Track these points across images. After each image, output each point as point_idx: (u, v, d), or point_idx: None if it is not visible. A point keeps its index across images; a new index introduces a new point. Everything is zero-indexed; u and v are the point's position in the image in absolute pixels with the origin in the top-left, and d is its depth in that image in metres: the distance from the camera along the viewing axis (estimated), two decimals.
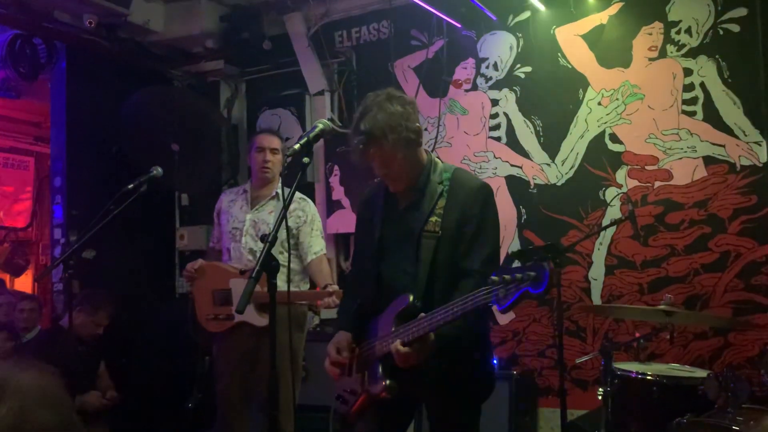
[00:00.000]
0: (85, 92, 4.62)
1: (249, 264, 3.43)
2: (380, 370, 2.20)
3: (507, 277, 1.82)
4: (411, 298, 2.14)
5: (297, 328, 3.52)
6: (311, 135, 2.07)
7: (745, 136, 3.78)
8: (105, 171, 4.46)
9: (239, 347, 3.47)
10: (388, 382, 2.15)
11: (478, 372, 2.30)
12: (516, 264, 2.06)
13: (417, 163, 2.28)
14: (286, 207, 2.00)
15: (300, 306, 3.53)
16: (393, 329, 2.15)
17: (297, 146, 2.02)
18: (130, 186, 3.28)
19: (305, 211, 3.59)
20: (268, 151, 3.57)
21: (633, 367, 2.92)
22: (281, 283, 3.38)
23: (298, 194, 3.64)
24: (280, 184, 3.62)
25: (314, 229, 3.59)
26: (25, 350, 4.06)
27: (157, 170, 3.42)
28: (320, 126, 2.12)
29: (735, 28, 3.82)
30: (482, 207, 2.23)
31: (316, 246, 3.58)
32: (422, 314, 2.05)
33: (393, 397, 2.17)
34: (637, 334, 3.32)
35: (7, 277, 6.74)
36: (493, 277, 1.84)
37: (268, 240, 1.92)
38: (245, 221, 3.54)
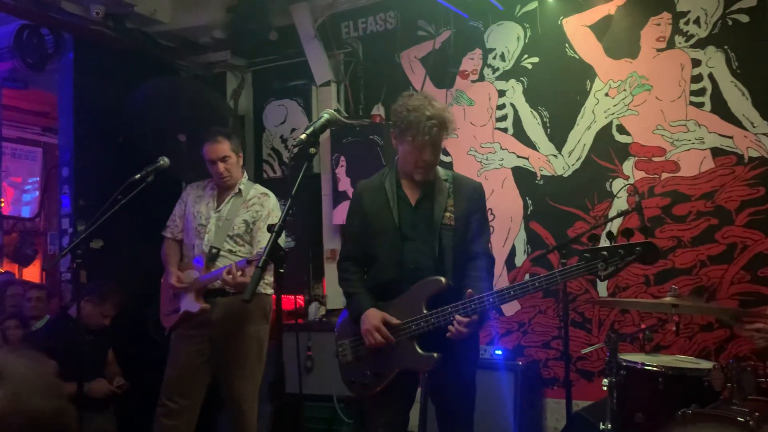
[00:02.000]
0: (93, 82, 4.63)
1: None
2: (417, 346, 2.51)
3: (605, 253, 2.27)
4: (444, 280, 2.51)
5: (261, 319, 3.53)
6: (317, 125, 2.08)
7: (754, 127, 3.76)
8: (112, 161, 4.48)
9: (195, 338, 3.47)
10: (436, 355, 2.48)
11: (478, 341, 2.80)
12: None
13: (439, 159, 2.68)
14: (292, 197, 2.00)
15: (263, 296, 3.53)
16: (425, 310, 2.50)
17: (303, 136, 2.03)
18: (137, 176, 3.30)
19: (264, 206, 3.57)
20: (218, 162, 3.49)
21: (638, 358, 2.92)
22: (224, 274, 3.41)
23: (260, 189, 3.65)
24: (244, 179, 3.64)
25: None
26: (34, 338, 4.10)
27: (164, 160, 3.43)
28: (326, 116, 2.13)
29: (744, 18, 3.79)
30: (483, 203, 2.76)
31: (264, 241, 3.54)
32: (469, 290, 2.44)
33: (435, 369, 2.50)
34: (643, 326, 3.33)
35: (15, 267, 6.79)
36: (586, 255, 2.32)
37: (275, 230, 1.93)
38: (211, 219, 3.53)
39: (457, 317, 2.43)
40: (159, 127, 4.51)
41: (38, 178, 7.17)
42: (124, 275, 4.21)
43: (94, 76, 4.64)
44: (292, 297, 4.91)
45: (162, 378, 3.56)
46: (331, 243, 4.92)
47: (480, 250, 2.64)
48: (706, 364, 2.83)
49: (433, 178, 2.66)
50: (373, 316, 2.57)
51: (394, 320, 2.55)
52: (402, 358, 2.54)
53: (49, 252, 6.38)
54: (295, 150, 2.08)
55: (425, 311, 2.51)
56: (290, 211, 2.00)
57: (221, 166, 3.51)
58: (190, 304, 3.44)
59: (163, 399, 3.46)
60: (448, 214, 2.61)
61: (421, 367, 2.53)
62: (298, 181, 2.02)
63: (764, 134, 3.73)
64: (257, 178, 5.06)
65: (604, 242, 2.39)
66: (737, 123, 3.80)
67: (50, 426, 1.00)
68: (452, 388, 2.64)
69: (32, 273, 6.97)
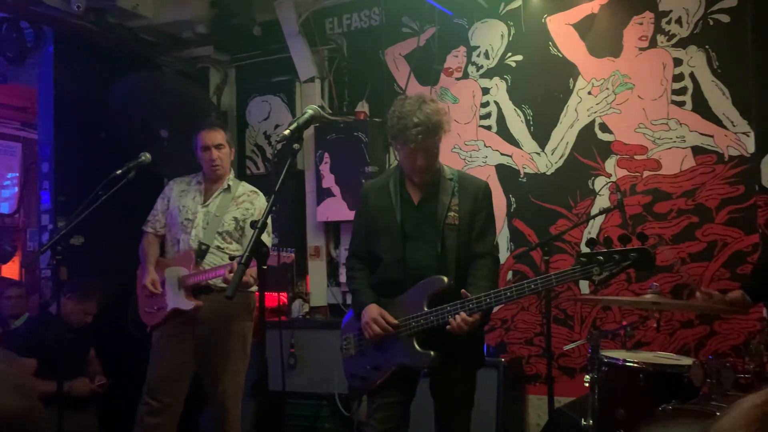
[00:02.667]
0: (73, 77, 4.58)
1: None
2: (415, 344, 2.55)
3: (600, 258, 2.29)
4: (446, 279, 2.54)
5: (246, 316, 3.52)
6: (301, 121, 2.07)
7: (734, 126, 3.80)
8: (93, 157, 4.42)
9: (179, 335, 3.45)
10: (433, 353, 2.53)
11: (482, 341, 2.84)
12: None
13: (438, 161, 2.70)
14: (276, 193, 1.99)
15: (248, 294, 3.52)
16: (426, 308, 2.53)
17: (287, 132, 2.02)
18: (119, 172, 3.27)
19: (254, 204, 3.57)
20: (213, 149, 3.50)
21: (620, 354, 2.95)
22: (226, 272, 3.41)
23: (249, 187, 3.65)
24: (232, 175, 3.63)
25: None
26: (13, 336, 4.05)
27: (146, 156, 3.40)
28: (310, 112, 2.12)
29: (725, 18, 3.83)
30: (489, 202, 2.75)
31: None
32: (463, 290, 2.48)
33: (434, 367, 2.56)
34: (624, 322, 3.35)
35: None
36: (582, 259, 2.33)
37: (258, 227, 1.92)
38: (198, 214, 3.51)
39: (462, 314, 2.46)
40: (141, 123, 4.47)
41: (17, 174, 7.07)
42: (105, 272, 4.16)
43: (75, 71, 4.58)
44: (276, 294, 4.89)
45: (144, 376, 3.53)
46: (315, 240, 4.91)
47: (485, 250, 2.67)
48: (686, 361, 2.86)
49: (437, 177, 2.69)
50: (372, 310, 2.63)
51: (392, 320, 2.60)
52: (401, 354, 2.59)
53: (28, 249, 6.31)
54: (279, 146, 2.07)
55: (426, 309, 2.54)
56: (274, 208, 1.99)
57: (215, 152, 3.50)
58: (181, 301, 3.41)
59: (146, 397, 3.44)
60: (452, 213, 2.63)
61: (418, 364, 2.58)
62: (282, 177, 2.01)
63: (744, 133, 3.78)
64: (240, 174, 5.03)
65: (585, 249, 2.42)
66: (718, 122, 3.84)
67: (18, 426, 0.99)
68: (452, 385, 2.68)
69: (11, 270, 6.88)
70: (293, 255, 3.44)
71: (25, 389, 1.04)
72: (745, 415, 0.75)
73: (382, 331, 2.59)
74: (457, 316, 2.46)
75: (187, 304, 3.40)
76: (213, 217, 3.49)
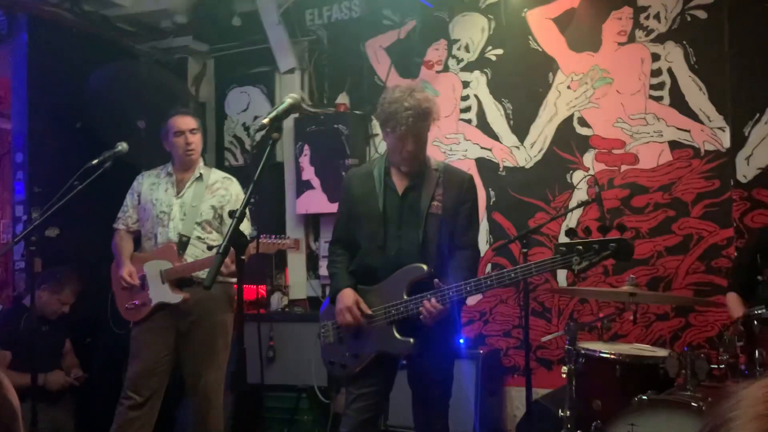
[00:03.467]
0: (48, 65, 4.49)
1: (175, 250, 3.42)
2: (395, 331, 2.56)
3: (580, 248, 2.30)
4: (426, 268, 2.55)
5: (227, 308, 3.50)
6: (280, 109, 2.04)
7: (710, 121, 3.85)
8: (69, 147, 4.35)
9: (160, 329, 3.42)
10: (413, 341, 2.54)
11: (459, 331, 2.89)
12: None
13: (426, 149, 2.71)
14: (255, 182, 1.97)
15: (228, 286, 3.50)
16: (406, 296, 2.54)
17: (266, 120, 1.99)
18: (95, 162, 3.21)
19: (228, 190, 3.54)
20: (187, 133, 3.45)
21: (597, 346, 2.97)
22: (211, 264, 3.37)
23: (222, 174, 3.62)
24: (202, 164, 3.59)
25: None
26: None
27: (123, 146, 3.34)
28: (290, 100, 2.09)
29: (702, 14, 3.87)
30: (473, 194, 2.77)
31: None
32: (436, 280, 2.50)
33: (412, 354, 2.58)
34: (601, 314, 3.39)
35: None
36: (561, 248, 2.34)
37: (236, 216, 1.90)
38: (173, 206, 3.47)
39: (432, 300, 2.48)
40: (117, 113, 4.40)
41: None
42: (80, 264, 4.10)
43: (50, 59, 4.49)
44: (254, 287, 4.86)
45: (121, 368, 3.49)
46: (295, 233, 4.88)
47: (467, 243, 2.69)
48: (661, 352, 2.90)
49: (423, 167, 2.70)
50: (347, 297, 2.64)
51: (367, 309, 2.61)
52: (380, 341, 2.60)
53: (1, 240, 6.20)
54: (258, 136, 2.05)
55: (405, 297, 2.55)
56: (252, 198, 1.97)
57: (190, 137, 3.46)
58: (167, 295, 3.37)
59: (127, 392, 3.40)
60: (435, 203, 2.65)
61: (397, 351, 2.59)
62: (261, 165, 1.99)
63: (720, 128, 3.83)
64: (219, 166, 4.99)
65: (564, 239, 2.43)
66: (694, 117, 3.88)
67: None
68: (429, 374, 2.69)
69: None
70: (289, 242, 3.37)
71: None
72: None
73: (355, 321, 2.60)
74: (426, 302, 2.48)
75: (174, 297, 3.36)
76: (190, 208, 3.45)
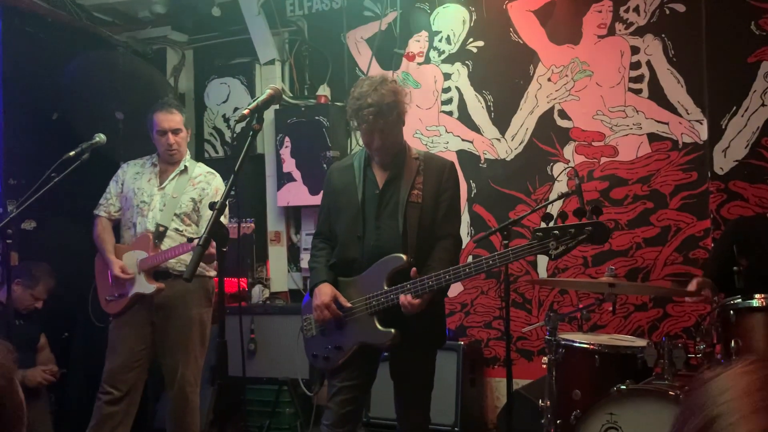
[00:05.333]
0: (23, 55, 4.40)
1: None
2: (377, 322, 2.56)
3: (556, 232, 2.31)
4: (405, 257, 2.53)
5: (204, 302, 3.49)
6: (260, 99, 2.03)
7: (688, 114, 3.89)
8: (45, 138, 4.28)
9: (137, 323, 3.41)
10: (394, 331, 2.53)
11: (443, 322, 2.82)
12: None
13: (401, 140, 2.71)
14: (235, 173, 1.95)
15: (207, 279, 3.49)
16: (386, 286, 2.53)
17: (246, 111, 1.98)
18: (72, 153, 3.17)
19: (210, 184, 3.52)
20: (169, 134, 3.43)
21: (576, 337, 3.00)
22: (188, 257, 3.37)
23: (205, 168, 3.61)
24: (188, 156, 3.57)
25: None
26: None
27: (100, 137, 3.30)
28: (270, 91, 2.08)
29: (681, 8, 3.91)
30: (454, 182, 2.75)
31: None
32: (413, 270, 2.48)
33: (394, 345, 2.55)
34: (581, 305, 3.42)
35: None
36: (538, 233, 2.35)
37: (216, 208, 1.88)
38: (154, 196, 3.44)
39: (401, 297, 2.49)
40: (95, 104, 4.34)
41: None
42: (57, 257, 4.04)
43: (26, 49, 4.41)
44: (235, 279, 4.83)
45: (98, 362, 3.46)
46: (276, 225, 4.86)
47: (448, 231, 2.69)
48: (640, 342, 2.94)
49: (402, 157, 2.69)
50: (324, 293, 2.63)
51: (345, 303, 2.61)
52: (362, 333, 2.60)
53: None
54: (238, 127, 2.04)
55: (386, 288, 2.54)
56: (233, 190, 1.95)
57: (172, 138, 3.43)
58: (142, 285, 3.35)
59: (104, 386, 3.37)
60: (415, 191, 2.63)
61: (379, 342, 2.59)
62: (242, 156, 1.97)
63: (697, 121, 3.87)
64: (198, 158, 4.93)
65: (542, 224, 2.43)
66: (673, 110, 3.92)
67: None
68: (410, 366, 2.69)
69: None
70: (253, 225, 3.38)
71: (4, 368, 1.02)
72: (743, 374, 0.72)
73: (332, 316, 2.60)
74: (402, 297, 2.48)
75: (148, 287, 3.34)
76: (170, 199, 3.43)
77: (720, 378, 0.72)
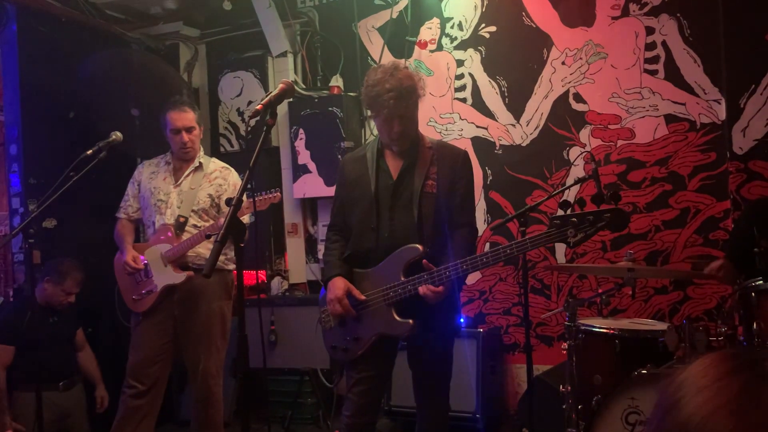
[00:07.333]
0: (39, 56, 4.45)
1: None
2: (394, 313, 2.56)
3: (575, 220, 2.28)
4: (421, 248, 2.52)
5: (224, 295, 3.53)
6: (273, 94, 2.04)
7: (705, 94, 3.84)
8: (63, 137, 4.33)
9: (159, 317, 3.44)
10: (412, 321, 2.53)
11: (459, 311, 2.85)
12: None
13: (417, 127, 2.69)
14: (250, 169, 1.96)
15: (226, 273, 3.52)
16: (403, 277, 2.52)
17: (259, 106, 1.99)
18: (90, 152, 3.20)
19: (227, 179, 3.55)
20: (183, 132, 3.45)
21: (596, 322, 2.99)
22: (205, 251, 3.41)
23: (220, 163, 3.63)
24: (201, 152, 3.60)
25: None
26: None
27: (117, 135, 3.33)
28: (282, 85, 2.09)
29: None
30: (468, 171, 2.73)
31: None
32: (424, 261, 2.46)
33: (412, 335, 2.56)
34: (600, 290, 3.39)
35: None
36: (556, 221, 2.32)
37: (234, 203, 1.90)
38: (171, 194, 3.47)
39: (420, 288, 2.48)
40: (110, 101, 4.37)
41: None
42: (79, 254, 4.10)
43: (41, 49, 4.45)
44: (254, 272, 4.87)
45: (123, 357, 3.51)
46: (293, 217, 4.89)
47: (464, 221, 2.67)
48: (660, 326, 2.92)
49: (416, 146, 2.67)
50: (337, 286, 2.64)
51: (360, 296, 2.61)
52: (380, 323, 2.60)
53: None
54: (252, 121, 2.04)
55: (403, 278, 2.54)
56: (249, 185, 1.96)
57: (186, 136, 3.45)
58: (170, 276, 3.39)
59: (129, 380, 3.43)
60: (430, 181, 2.62)
61: (397, 332, 2.60)
62: (257, 152, 1.98)
63: (715, 101, 3.82)
64: (214, 152, 4.97)
65: (560, 211, 2.41)
66: (689, 90, 3.87)
67: None
68: (429, 354, 2.70)
69: None
70: (279, 194, 3.29)
71: None
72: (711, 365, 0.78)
73: (344, 311, 2.61)
74: (421, 288, 2.48)
75: (178, 277, 3.38)
76: (186, 195, 3.46)
77: (683, 372, 0.79)
